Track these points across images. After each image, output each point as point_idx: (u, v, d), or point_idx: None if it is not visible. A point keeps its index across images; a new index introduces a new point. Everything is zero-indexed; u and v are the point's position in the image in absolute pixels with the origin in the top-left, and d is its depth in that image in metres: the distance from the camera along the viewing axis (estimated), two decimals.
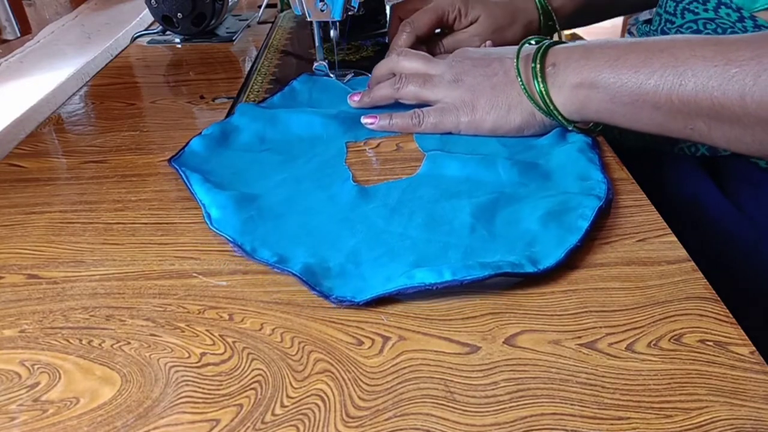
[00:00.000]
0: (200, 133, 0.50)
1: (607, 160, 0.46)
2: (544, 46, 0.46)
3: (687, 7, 0.54)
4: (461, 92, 0.48)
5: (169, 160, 0.46)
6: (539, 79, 0.45)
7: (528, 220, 0.39)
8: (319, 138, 0.50)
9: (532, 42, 0.48)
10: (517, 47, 0.48)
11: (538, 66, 0.45)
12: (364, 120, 0.51)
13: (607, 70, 0.42)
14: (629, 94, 0.41)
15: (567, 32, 0.66)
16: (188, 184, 0.43)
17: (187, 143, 0.49)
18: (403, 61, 0.52)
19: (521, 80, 0.46)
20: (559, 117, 0.46)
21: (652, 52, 0.41)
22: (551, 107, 0.45)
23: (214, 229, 0.39)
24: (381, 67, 0.54)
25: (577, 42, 0.47)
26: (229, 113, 0.55)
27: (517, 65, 0.46)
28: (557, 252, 0.36)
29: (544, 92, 0.45)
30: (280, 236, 0.39)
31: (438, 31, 0.62)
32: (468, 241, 0.38)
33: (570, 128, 0.47)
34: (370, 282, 0.35)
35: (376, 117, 0.51)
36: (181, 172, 0.45)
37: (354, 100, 0.54)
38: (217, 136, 0.50)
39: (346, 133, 0.51)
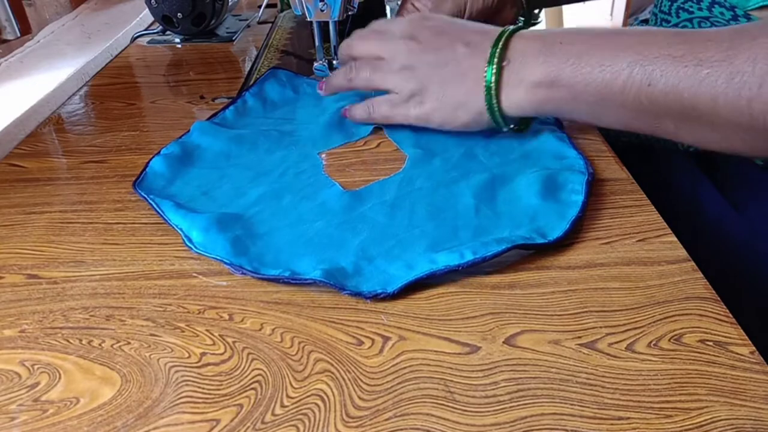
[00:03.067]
0: (158, 152, 0.47)
1: (606, 160, 0.46)
2: (506, 35, 0.44)
3: (682, 6, 0.54)
4: (411, 84, 0.47)
5: (133, 185, 0.44)
6: (493, 69, 0.43)
7: (526, 196, 0.41)
8: (288, 150, 0.49)
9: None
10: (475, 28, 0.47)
11: (495, 58, 0.43)
12: (342, 112, 0.52)
13: (569, 68, 0.40)
14: (594, 93, 0.40)
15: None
16: (160, 211, 0.41)
17: (147, 164, 0.46)
18: (357, 44, 0.50)
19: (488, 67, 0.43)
20: (498, 114, 0.44)
21: (617, 48, 0.39)
22: (494, 102, 0.43)
23: (200, 252, 0.37)
24: (342, 51, 0.53)
25: (534, 31, 0.44)
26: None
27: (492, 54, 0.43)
28: (562, 224, 0.38)
29: (494, 84, 0.43)
30: (277, 252, 0.37)
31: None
32: (475, 221, 0.39)
33: (504, 129, 0.46)
34: (392, 273, 0.35)
35: (347, 109, 0.52)
36: (149, 201, 0.42)
37: (320, 89, 0.54)
38: (179, 154, 0.47)
39: (316, 143, 0.50)
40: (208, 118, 0.52)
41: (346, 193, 0.43)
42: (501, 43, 0.43)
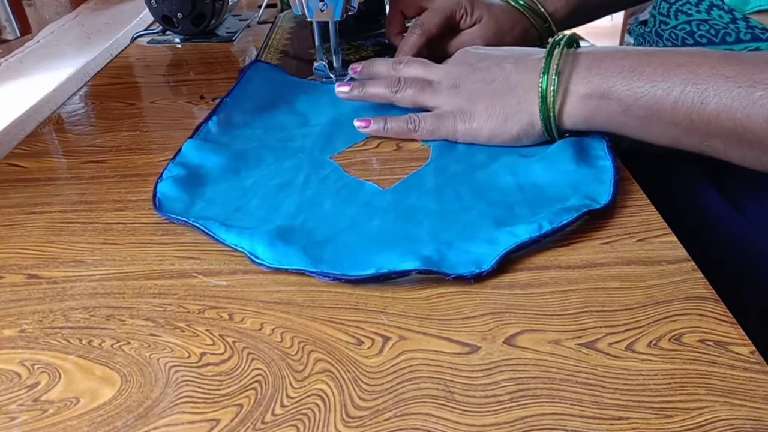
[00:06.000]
0: (161, 177, 0.44)
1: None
2: (556, 47, 0.44)
3: (680, 8, 0.54)
4: (459, 99, 0.48)
5: (159, 211, 0.41)
6: (552, 76, 0.43)
7: (561, 167, 0.43)
8: (297, 159, 0.47)
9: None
10: (520, 49, 0.48)
11: (550, 66, 0.43)
12: (356, 123, 0.50)
13: (620, 81, 0.41)
14: (645, 108, 0.40)
15: (567, 33, 0.66)
16: (210, 233, 0.38)
17: (155, 190, 0.43)
18: (402, 69, 0.52)
19: (544, 75, 0.44)
20: (553, 124, 0.44)
21: (669, 66, 0.39)
22: (549, 112, 0.44)
23: (275, 268, 0.35)
24: (380, 66, 0.53)
25: (584, 48, 0.45)
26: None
27: (547, 62, 0.44)
28: (605, 188, 0.41)
29: (554, 92, 0.43)
30: (353, 254, 0.36)
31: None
32: (522, 197, 0.41)
33: (556, 139, 0.46)
34: (478, 252, 0.36)
35: (369, 120, 0.50)
36: (194, 224, 0.39)
37: (342, 91, 0.52)
38: (185, 175, 0.44)
39: (323, 149, 0.48)
40: (191, 136, 0.49)
41: (385, 192, 0.43)
42: (561, 55, 0.43)
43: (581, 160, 0.43)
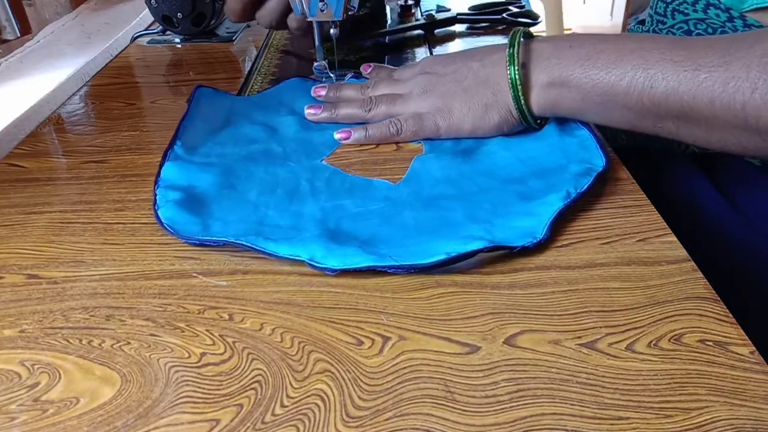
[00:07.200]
0: (156, 205, 0.41)
1: None
2: (518, 39, 0.46)
3: (677, 8, 0.54)
4: (433, 99, 0.48)
5: (187, 241, 0.38)
6: (516, 67, 0.45)
7: (549, 140, 0.46)
8: (287, 167, 0.46)
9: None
10: (482, 51, 0.49)
11: (515, 58, 0.45)
12: (337, 135, 0.49)
13: (578, 69, 0.43)
14: (601, 94, 0.42)
15: (567, 31, 0.66)
16: (259, 249, 0.36)
17: (158, 218, 0.40)
18: (371, 90, 0.52)
19: (510, 68, 0.45)
20: (527, 111, 0.46)
21: (622, 52, 0.41)
22: (521, 100, 0.45)
23: (342, 269, 0.35)
24: (348, 90, 0.53)
25: (543, 38, 0.46)
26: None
27: (509, 53, 0.45)
28: (595, 153, 0.44)
29: (519, 81, 0.45)
30: (402, 246, 0.36)
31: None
32: (528, 169, 0.44)
33: (533, 126, 0.48)
34: (521, 225, 0.37)
35: (348, 131, 0.49)
36: (238, 244, 0.37)
37: (312, 113, 0.52)
38: (184, 198, 0.41)
39: (309, 155, 0.47)
40: (162, 163, 0.45)
41: (397, 184, 0.44)
42: (516, 46, 0.45)
43: (562, 131, 0.47)
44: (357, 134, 0.49)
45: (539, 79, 0.45)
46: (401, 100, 0.50)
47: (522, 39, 0.46)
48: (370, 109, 0.51)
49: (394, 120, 0.49)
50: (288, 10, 0.57)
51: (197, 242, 0.38)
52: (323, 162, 0.47)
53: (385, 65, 0.58)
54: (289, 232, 0.38)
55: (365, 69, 0.57)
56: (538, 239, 0.36)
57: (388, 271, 0.35)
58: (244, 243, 0.36)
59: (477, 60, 0.48)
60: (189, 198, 0.41)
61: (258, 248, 0.36)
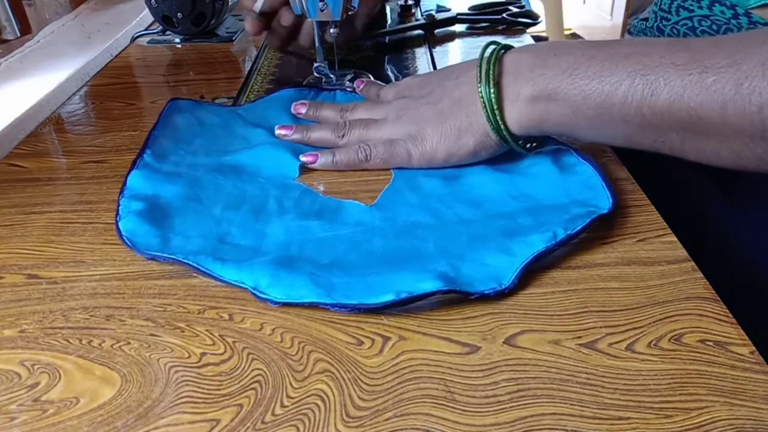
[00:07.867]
0: (118, 215, 0.40)
1: (606, 160, 0.46)
2: (497, 52, 0.42)
3: (681, 4, 0.54)
4: (406, 125, 0.45)
5: (137, 251, 0.37)
6: (490, 85, 0.41)
7: (548, 178, 0.43)
8: (256, 183, 0.44)
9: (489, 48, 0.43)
10: (459, 67, 0.46)
11: (489, 75, 0.41)
12: (303, 159, 0.46)
13: (566, 79, 0.38)
14: (594, 106, 0.37)
15: (566, 32, 0.66)
16: (203, 270, 0.35)
17: (118, 229, 0.39)
18: (348, 114, 0.50)
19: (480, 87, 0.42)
20: (504, 132, 0.41)
21: (615, 58, 0.37)
22: (497, 120, 0.41)
23: (284, 302, 0.33)
24: (326, 111, 0.51)
25: (522, 47, 0.43)
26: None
27: (479, 72, 0.42)
28: (601, 192, 0.40)
29: (494, 100, 0.41)
30: (363, 278, 0.34)
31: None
32: (521, 206, 0.40)
33: (518, 149, 0.43)
34: (495, 264, 0.35)
35: (315, 155, 0.46)
36: (184, 262, 0.36)
37: (283, 134, 0.49)
38: (146, 208, 0.40)
39: (280, 169, 0.45)
40: (129, 171, 0.44)
41: (370, 207, 0.41)
42: (492, 60, 0.41)
43: (562, 168, 0.43)
44: (324, 159, 0.46)
45: (522, 93, 0.40)
46: (375, 125, 0.47)
47: (498, 52, 0.42)
48: (343, 135, 0.47)
49: (363, 145, 0.46)
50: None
51: (149, 256, 0.36)
52: (295, 181, 0.45)
53: (378, 82, 0.56)
54: (245, 253, 0.36)
55: (358, 85, 0.54)
56: (503, 287, 0.33)
57: (332, 309, 0.32)
58: (191, 264, 0.35)
59: (452, 79, 0.45)
60: (152, 208, 0.40)
61: (203, 270, 0.35)
